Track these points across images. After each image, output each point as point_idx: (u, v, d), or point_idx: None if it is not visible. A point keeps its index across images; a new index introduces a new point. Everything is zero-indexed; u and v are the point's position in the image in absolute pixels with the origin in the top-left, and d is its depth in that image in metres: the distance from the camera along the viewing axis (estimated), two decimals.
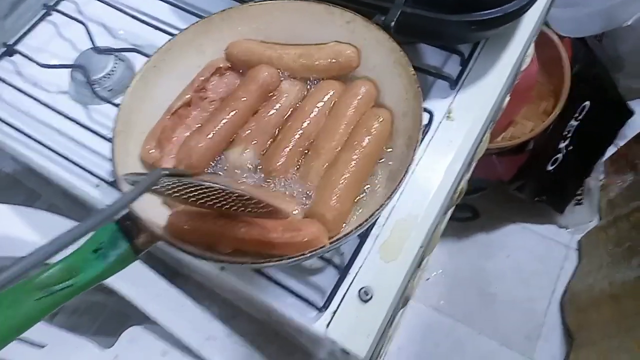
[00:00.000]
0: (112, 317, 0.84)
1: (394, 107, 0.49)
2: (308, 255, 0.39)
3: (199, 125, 0.51)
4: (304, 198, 0.45)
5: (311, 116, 0.50)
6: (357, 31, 0.51)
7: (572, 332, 1.30)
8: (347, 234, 0.40)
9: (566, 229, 1.47)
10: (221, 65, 0.53)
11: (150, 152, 0.48)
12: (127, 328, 0.63)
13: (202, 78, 0.52)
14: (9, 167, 0.84)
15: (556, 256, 1.44)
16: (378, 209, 0.40)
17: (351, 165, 0.44)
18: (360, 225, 0.40)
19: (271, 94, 0.52)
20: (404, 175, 0.41)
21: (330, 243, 0.40)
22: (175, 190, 0.39)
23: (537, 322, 1.37)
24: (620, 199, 1.34)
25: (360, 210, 0.45)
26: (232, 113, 0.50)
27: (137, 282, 0.62)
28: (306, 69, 0.52)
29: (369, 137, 0.46)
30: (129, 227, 0.41)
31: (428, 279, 1.45)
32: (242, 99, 0.50)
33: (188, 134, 0.50)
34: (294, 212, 0.43)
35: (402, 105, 0.47)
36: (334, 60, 0.51)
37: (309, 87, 0.53)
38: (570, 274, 1.40)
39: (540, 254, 1.45)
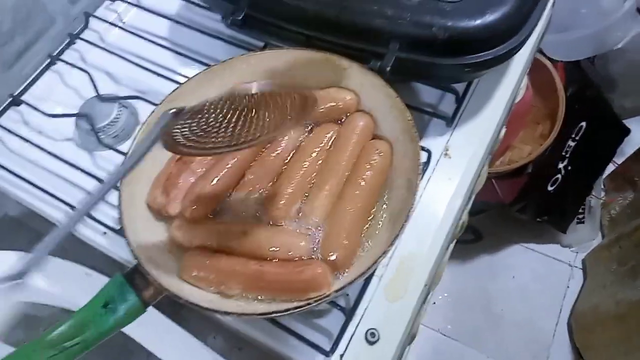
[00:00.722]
0: (118, 353, 0.84)
1: (393, 145, 0.50)
2: (315, 301, 0.40)
3: (203, 169, 0.52)
4: (313, 233, 0.46)
5: (312, 156, 0.51)
6: (353, 77, 0.53)
7: (581, 352, 1.29)
8: (352, 281, 0.40)
9: (569, 248, 1.47)
10: None
11: (156, 199, 0.49)
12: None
13: None
14: (14, 210, 0.85)
15: (561, 275, 1.44)
16: (381, 256, 0.41)
17: (356, 201, 0.45)
18: (364, 272, 0.41)
19: None
20: (406, 220, 0.42)
21: (336, 291, 0.40)
22: (187, 134, 0.38)
23: (544, 342, 1.36)
24: (622, 217, 1.34)
25: (365, 252, 0.46)
26: (235, 158, 0.51)
27: (140, 321, 0.62)
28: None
29: (371, 171, 0.48)
30: (137, 280, 0.42)
31: (434, 302, 1.44)
32: None
33: (193, 178, 0.51)
34: (301, 244, 0.45)
35: (400, 147, 0.49)
36: (333, 105, 0.53)
37: (306, 128, 0.54)
38: (575, 292, 1.40)
39: (544, 274, 1.44)
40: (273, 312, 0.40)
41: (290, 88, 0.40)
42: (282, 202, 0.48)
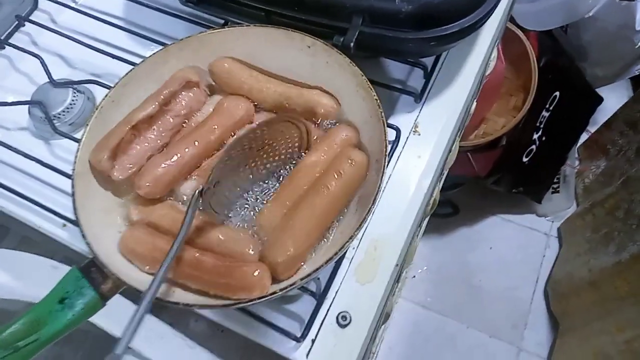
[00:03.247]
0: (95, 345, 0.82)
1: (360, 130, 0.49)
2: (248, 301, 0.39)
3: (159, 141, 0.49)
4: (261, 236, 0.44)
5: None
6: (318, 55, 0.50)
7: (557, 319, 1.32)
8: (318, 268, 0.39)
9: (545, 217, 1.49)
10: (192, 79, 0.52)
11: (101, 162, 0.46)
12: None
13: (170, 90, 0.50)
14: None
15: (537, 245, 1.47)
16: (348, 240, 0.40)
17: (315, 209, 0.43)
18: (331, 257, 0.39)
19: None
20: (373, 204, 0.41)
21: (302, 279, 0.39)
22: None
23: (523, 310, 1.40)
24: (595, 185, 1.36)
25: (331, 237, 0.45)
26: (199, 143, 0.49)
27: (114, 313, 0.61)
28: (283, 110, 0.51)
29: (338, 180, 0.44)
30: (94, 273, 0.40)
31: (414, 276, 1.46)
32: (214, 129, 0.49)
33: (145, 148, 0.49)
34: (250, 252, 0.43)
35: (368, 129, 0.47)
36: (311, 107, 0.50)
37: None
38: (552, 261, 1.43)
39: (521, 244, 1.47)
40: (236, 303, 0.39)
41: (285, 117, 0.40)
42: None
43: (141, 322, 0.34)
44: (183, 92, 0.51)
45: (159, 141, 0.50)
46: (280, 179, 0.48)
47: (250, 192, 0.47)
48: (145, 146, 0.49)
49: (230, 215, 0.45)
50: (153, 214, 0.45)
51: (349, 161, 0.45)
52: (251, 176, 0.47)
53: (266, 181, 0.48)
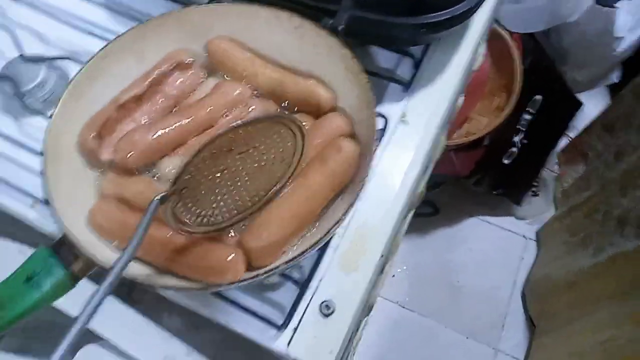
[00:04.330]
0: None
1: (348, 114, 0.47)
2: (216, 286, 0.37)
3: (147, 120, 0.47)
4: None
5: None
6: (306, 36, 0.49)
7: (534, 321, 1.33)
8: (303, 252, 0.38)
9: (524, 220, 1.50)
10: (184, 60, 0.50)
11: (87, 141, 0.45)
12: (82, 345, 0.59)
13: (161, 71, 0.49)
14: None
15: (515, 247, 1.48)
16: (333, 226, 0.38)
17: (295, 197, 0.41)
18: (316, 242, 0.38)
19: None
20: (360, 190, 0.40)
21: (285, 263, 0.38)
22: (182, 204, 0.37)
23: (500, 312, 1.40)
24: (574, 189, 1.38)
25: (317, 225, 0.43)
26: (188, 119, 0.46)
27: (83, 301, 0.58)
28: (277, 96, 0.49)
29: (324, 169, 0.42)
30: (64, 252, 0.38)
31: (393, 275, 1.45)
32: (204, 107, 0.47)
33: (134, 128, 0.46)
34: (230, 235, 0.41)
35: (357, 114, 0.46)
36: (306, 99, 0.48)
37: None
38: (530, 264, 1.44)
39: (500, 246, 1.48)
40: (216, 286, 0.37)
41: (277, 117, 0.37)
42: None
43: (101, 304, 0.31)
44: (175, 74, 0.50)
45: (147, 122, 0.48)
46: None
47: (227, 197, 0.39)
48: (132, 126, 0.47)
49: (200, 220, 0.39)
50: (127, 190, 0.43)
51: (337, 151, 0.43)
52: (229, 183, 0.40)
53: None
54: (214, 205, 0.37)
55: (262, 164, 0.39)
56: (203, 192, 0.38)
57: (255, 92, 0.50)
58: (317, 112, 0.47)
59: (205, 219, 0.37)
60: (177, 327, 0.64)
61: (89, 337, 0.59)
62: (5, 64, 0.58)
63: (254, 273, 0.37)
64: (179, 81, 0.50)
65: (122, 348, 0.56)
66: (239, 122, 0.36)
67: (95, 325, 0.56)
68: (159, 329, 0.58)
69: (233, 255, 0.38)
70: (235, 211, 0.37)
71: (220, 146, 0.38)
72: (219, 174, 0.39)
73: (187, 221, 0.37)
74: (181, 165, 0.37)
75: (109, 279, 0.31)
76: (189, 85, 0.50)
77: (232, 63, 0.50)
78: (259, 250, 0.39)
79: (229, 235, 0.41)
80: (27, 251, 0.56)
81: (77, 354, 0.58)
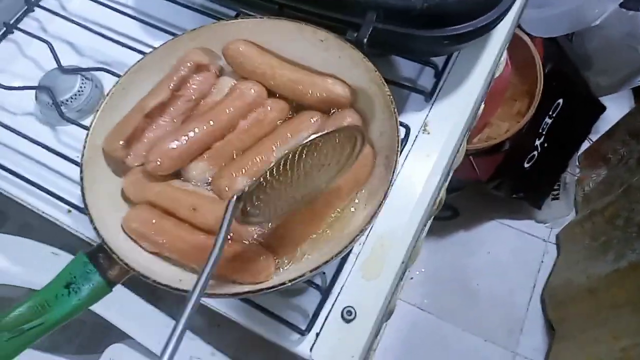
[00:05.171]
0: (93, 333, 0.82)
1: (371, 124, 0.48)
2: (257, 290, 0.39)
3: (171, 126, 0.49)
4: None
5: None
6: (331, 49, 0.50)
7: (553, 325, 1.32)
8: (327, 261, 0.39)
9: (544, 223, 1.49)
10: (202, 62, 0.51)
11: (115, 150, 0.47)
12: (108, 344, 0.61)
13: (181, 75, 0.50)
14: None
15: (535, 251, 1.47)
16: (358, 234, 0.40)
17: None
18: (340, 251, 0.39)
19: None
20: (383, 199, 0.41)
21: (311, 270, 0.39)
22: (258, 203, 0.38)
23: (519, 316, 1.40)
24: (595, 194, 1.37)
25: (340, 231, 0.44)
26: (211, 124, 0.48)
27: (113, 303, 0.60)
28: (295, 97, 0.51)
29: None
30: (101, 259, 0.40)
31: (412, 278, 1.46)
32: (225, 110, 0.49)
33: (159, 134, 0.48)
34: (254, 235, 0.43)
35: (379, 125, 0.47)
36: (324, 96, 0.49)
37: (291, 113, 0.51)
38: (550, 267, 1.43)
39: (519, 249, 1.47)
40: (245, 293, 0.39)
41: (337, 131, 0.38)
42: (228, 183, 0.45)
43: (183, 336, 0.30)
44: (194, 76, 0.51)
45: (171, 128, 0.49)
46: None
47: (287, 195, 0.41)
48: (159, 132, 0.49)
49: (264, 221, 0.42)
50: (151, 193, 0.45)
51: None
52: (291, 183, 0.40)
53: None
54: (277, 203, 0.40)
55: (321, 167, 0.41)
56: (269, 191, 0.38)
57: (273, 92, 0.51)
58: (333, 107, 0.49)
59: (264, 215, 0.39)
60: (199, 324, 0.66)
61: (115, 335, 0.62)
62: (43, 75, 0.61)
63: (291, 276, 0.38)
64: (197, 83, 0.51)
65: (146, 346, 0.58)
66: (319, 134, 0.37)
67: (122, 324, 0.59)
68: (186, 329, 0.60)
69: (264, 256, 0.40)
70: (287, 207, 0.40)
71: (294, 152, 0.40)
72: (286, 177, 0.39)
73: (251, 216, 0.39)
74: (263, 170, 0.37)
75: (195, 294, 0.31)
76: (207, 86, 0.52)
77: (250, 66, 0.51)
78: (283, 252, 0.41)
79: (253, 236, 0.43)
80: (59, 252, 0.59)
81: (104, 354, 0.61)
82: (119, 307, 0.60)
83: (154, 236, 0.42)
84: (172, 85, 0.49)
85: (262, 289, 0.38)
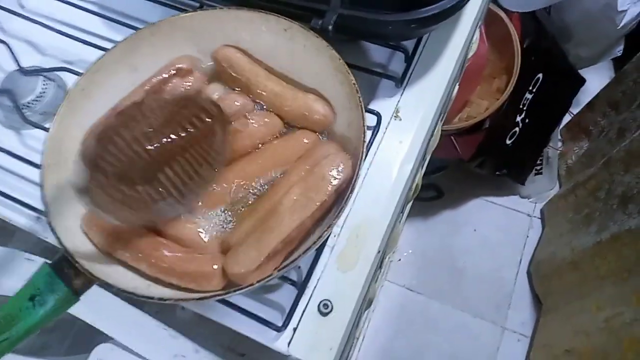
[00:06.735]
0: (83, 334, 0.81)
1: (338, 115, 0.48)
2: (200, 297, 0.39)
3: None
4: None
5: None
6: (295, 39, 0.49)
7: (540, 298, 1.34)
8: (299, 256, 0.39)
9: (528, 199, 1.50)
10: (184, 67, 0.50)
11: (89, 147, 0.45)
12: (99, 344, 0.61)
13: (159, 78, 0.49)
14: None
15: (520, 226, 1.48)
16: (325, 230, 0.39)
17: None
18: (307, 249, 0.39)
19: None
20: (350, 192, 0.40)
21: (280, 269, 0.39)
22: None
23: (506, 291, 1.42)
24: (578, 167, 1.38)
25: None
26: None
27: (93, 305, 0.60)
28: (277, 109, 0.50)
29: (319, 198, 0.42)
30: (65, 269, 0.39)
31: (399, 259, 1.47)
32: None
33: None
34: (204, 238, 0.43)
35: (347, 115, 0.46)
36: (304, 114, 0.48)
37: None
38: (535, 242, 1.45)
39: (505, 226, 1.48)
40: (212, 296, 0.38)
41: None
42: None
43: None
44: (174, 80, 0.50)
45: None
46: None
47: None
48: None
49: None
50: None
51: (334, 169, 0.43)
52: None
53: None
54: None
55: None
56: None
57: (258, 104, 0.50)
58: (312, 127, 0.48)
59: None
60: (192, 318, 0.65)
61: (101, 337, 0.61)
62: (3, 77, 0.59)
63: (247, 284, 0.38)
64: (178, 88, 0.50)
65: (131, 348, 0.58)
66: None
67: (105, 326, 0.58)
68: (166, 327, 0.60)
69: (217, 266, 0.40)
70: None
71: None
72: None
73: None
74: None
75: None
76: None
77: (236, 74, 0.50)
78: (240, 276, 0.40)
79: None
80: (34, 258, 0.58)
81: (92, 354, 0.60)
82: (99, 308, 0.60)
83: (109, 237, 0.42)
84: (148, 87, 0.48)
85: (228, 292, 0.37)
